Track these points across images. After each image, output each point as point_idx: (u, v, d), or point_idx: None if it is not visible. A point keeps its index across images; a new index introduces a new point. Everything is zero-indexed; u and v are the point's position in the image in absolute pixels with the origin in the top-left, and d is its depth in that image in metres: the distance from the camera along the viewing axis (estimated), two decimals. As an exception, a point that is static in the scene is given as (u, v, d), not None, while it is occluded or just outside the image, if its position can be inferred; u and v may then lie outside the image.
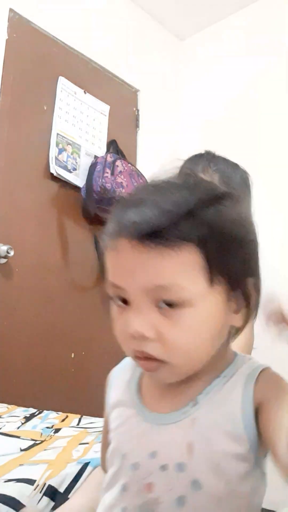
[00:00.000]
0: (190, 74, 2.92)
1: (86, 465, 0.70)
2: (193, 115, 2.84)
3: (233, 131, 2.57)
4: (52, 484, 0.64)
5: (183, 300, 0.54)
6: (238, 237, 0.56)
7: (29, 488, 0.62)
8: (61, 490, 0.65)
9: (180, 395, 0.60)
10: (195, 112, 2.84)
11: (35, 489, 0.62)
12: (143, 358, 0.57)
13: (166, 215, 0.52)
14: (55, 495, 0.63)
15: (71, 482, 0.66)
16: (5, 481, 0.62)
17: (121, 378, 0.72)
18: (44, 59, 2.14)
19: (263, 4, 2.61)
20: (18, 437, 0.89)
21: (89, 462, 0.71)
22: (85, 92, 2.29)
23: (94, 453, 0.78)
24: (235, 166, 1.51)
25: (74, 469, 0.69)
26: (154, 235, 0.52)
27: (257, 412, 0.57)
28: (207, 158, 1.50)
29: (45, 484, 0.63)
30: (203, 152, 1.55)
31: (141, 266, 0.54)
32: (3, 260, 1.85)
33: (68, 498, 0.65)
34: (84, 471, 0.69)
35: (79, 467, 0.69)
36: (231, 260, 0.55)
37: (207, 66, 2.83)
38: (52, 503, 0.63)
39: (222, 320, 0.58)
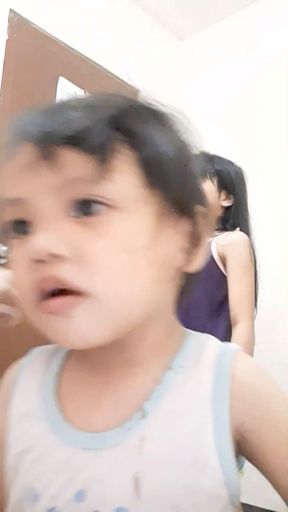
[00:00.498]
0: (190, 74, 2.92)
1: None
2: (193, 115, 2.84)
3: (233, 131, 2.57)
4: None
5: (107, 200, 0.39)
6: (178, 156, 0.45)
7: None
8: None
9: (119, 401, 0.44)
10: (195, 112, 2.83)
11: None
12: (52, 295, 0.39)
13: (92, 117, 0.41)
14: None
15: None
16: None
17: (30, 377, 0.52)
18: (44, 60, 2.13)
19: (263, 5, 2.61)
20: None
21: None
22: (85, 93, 2.28)
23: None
24: (230, 163, 1.55)
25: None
26: (74, 138, 0.39)
27: (237, 430, 0.42)
28: (204, 159, 1.52)
29: None
30: (198, 152, 1.57)
31: (48, 163, 0.39)
32: (3, 261, 1.85)
33: None
34: None
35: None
36: (172, 175, 0.43)
37: (207, 66, 2.83)
38: None
39: (165, 250, 0.43)
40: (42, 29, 2.14)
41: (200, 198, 0.48)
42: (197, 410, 0.42)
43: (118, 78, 2.51)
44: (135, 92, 2.55)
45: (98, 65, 2.41)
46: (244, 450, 0.43)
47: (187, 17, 2.80)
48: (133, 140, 0.42)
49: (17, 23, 2.04)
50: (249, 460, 0.44)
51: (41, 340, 1.64)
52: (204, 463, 0.40)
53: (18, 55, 2.02)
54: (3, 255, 1.82)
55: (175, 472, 0.40)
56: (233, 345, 0.48)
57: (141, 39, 2.73)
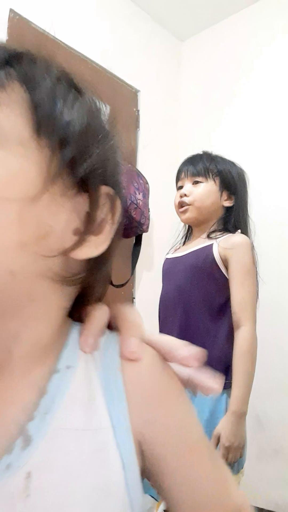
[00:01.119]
0: (190, 74, 2.92)
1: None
2: (193, 116, 2.84)
3: (234, 131, 2.57)
4: None
5: None
6: (83, 120, 0.40)
7: None
8: None
9: None
10: (195, 113, 2.84)
11: None
12: None
13: None
14: None
15: None
16: None
17: None
18: (44, 60, 2.13)
19: (264, 5, 2.61)
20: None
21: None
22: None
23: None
24: (232, 164, 1.56)
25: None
26: None
27: (139, 444, 0.35)
28: (207, 159, 1.52)
29: None
30: (201, 152, 1.58)
31: None
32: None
33: None
34: None
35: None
36: (68, 134, 0.37)
37: (207, 66, 2.83)
38: None
39: (48, 218, 0.35)
40: (42, 29, 2.14)
41: (111, 179, 0.41)
42: (94, 423, 0.34)
43: (118, 78, 2.51)
44: (135, 92, 2.57)
45: (98, 65, 2.41)
46: (149, 475, 0.35)
47: (187, 18, 2.80)
48: (28, 82, 0.38)
49: (17, 23, 2.04)
50: (158, 493, 0.36)
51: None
52: (108, 490, 0.32)
53: (18, 55, 2.02)
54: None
55: (74, 508, 0.31)
56: (115, 333, 0.41)
57: (141, 39, 2.73)
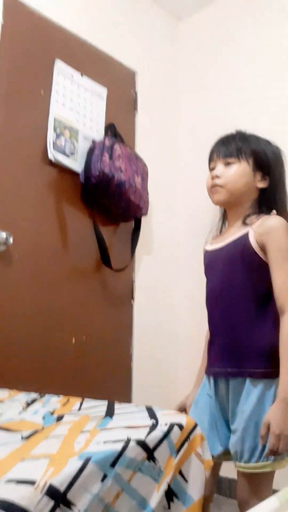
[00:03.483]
0: (188, 55, 2.88)
1: (87, 461, 0.70)
2: (192, 97, 2.82)
3: (232, 111, 2.55)
4: (53, 484, 0.63)
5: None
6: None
7: (30, 490, 0.61)
8: (62, 489, 0.64)
9: None
10: (194, 94, 2.81)
11: (35, 490, 0.61)
12: None
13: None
14: (55, 495, 0.63)
15: (71, 481, 0.66)
16: (6, 482, 0.62)
17: None
18: (40, 42, 2.11)
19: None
20: (20, 431, 0.89)
21: (91, 457, 0.71)
22: (82, 75, 2.26)
23: (96, 444, 0.78)
24: (267, 142, 1.52)
25: (75, 466, 0.68)
26: None
27: None
28: (240, 138, 1.49)
29: (46, 483, 0.63)
30: (234, 132, 1.54)
31: None
32: (3, 247, 1.84)
33: (67, 498, 0.64)
34: (84, 468, 0.68)
35: (80, 463, 0.69)
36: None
37: (206, 46, 2.79)
38: (52, 502, 0.62)
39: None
40: (38, 12, 2.11)
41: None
42: None
43: (115, 59, 2.48)
44: (132, 73, 2.55)
45: (94, 47, 2.38)
46: None
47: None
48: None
49: (12, 6, 2.00)
50: None
51: (38, 344, 1.60)
52: None
53: (13, 38, 1.99)
54: (2, 242, 1.82)
55: None
56: None
57: (138, 20, 2.69)
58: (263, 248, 1.37)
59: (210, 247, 1.55)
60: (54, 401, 1.22)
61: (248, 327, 1.36)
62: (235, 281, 1.40)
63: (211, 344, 1.49)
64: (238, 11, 2.65)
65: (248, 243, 1.38)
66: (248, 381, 1.33)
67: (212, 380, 1.44)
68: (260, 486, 1.32)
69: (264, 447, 1.26)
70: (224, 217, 1.63)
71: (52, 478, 0.64)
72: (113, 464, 0.73)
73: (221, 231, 1.62)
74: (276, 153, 1.52)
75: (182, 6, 2.83)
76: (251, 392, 1.32)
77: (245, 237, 1.39)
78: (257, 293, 1.38)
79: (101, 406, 1.11)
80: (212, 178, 1.49)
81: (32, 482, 0.62)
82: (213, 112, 2.66)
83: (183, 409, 1.54)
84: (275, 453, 1.23)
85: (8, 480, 0.63)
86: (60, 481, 0.64)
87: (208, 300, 1.53)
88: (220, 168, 1.48)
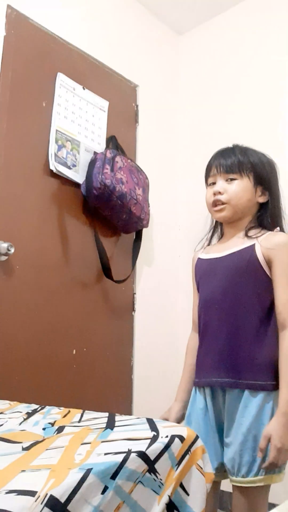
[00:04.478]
0: (189, 69, 2.91)
1: (88, 472, 0.69)
2: (192, 110, 2.84)
3: (231, 124, 2.56)
4: (54, 495, 0.63)
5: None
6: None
7: (30, 501, 0.61)
8: (62, 500, 0.64)
9: None
10: (194, 107, 2.83)
11: (36, 501, 0.61)
12: None
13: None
14: (55, 506, 0.62)
15: (71, 492, 0.65)
16: (6, 492, 0.62)
17: None
18: (42, 55, 2.13)
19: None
20: (20, 442, 0.89)
21: (92, 468, 0.71)
22: (84, 88, 2.28)
23: (97, 456, 0.78)
24: (263, 155, 1.51)
25: (75, 477, 0.68)
26: None
27: None
28: (239, 152, 1.48)
29: (46, 494, 0.62)
30: (231, 146, 1.53)
31: None
32: (4, 257, 1.85)
33: (67, 509, 0.63)
34: (85, 480, 0.68)
35: (81, 474, 0.68)
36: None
37: (206, 60, 2.82)
38: None
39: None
40: (40, 25, 2.14)
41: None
42: None
43: (116, 73, 2.51)
44: (134, 87, 2.58)
45: (96, 60, 2.40)
46: None
47: (185, 12, 2.79)
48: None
49: (15, 19, 2.03)
50: None
51: (41, 347, 1.61)
52: None
53: (16, 51, 2.02)
54: (3, 252, 1.82)
55: None
56: None
57: (139, 34, 2.72)
58: (268, 263, 1.36)
59: (207, 256, 1.53)
60: (54, 413, 1.21)
61: (249, 339, 1.35)
62: (239, 292, 1.39)
63: (205, 354, 1.45)
64: (238, 26, 2.68)
65: (255, 256, 1.37)
66: (246, 393, 1.32)
67: (208, 391, 1.41)
68: (256, 500, 1.30)
69: (262, 460, 1.25)
70: (216, 228, 1.62)
71: (52, 490, 0.63)
72: (114, 476, 0.73)
73: (210, 242, 1.62)
74: (272, 166, 1.52)
75: (183, 20, 2.87)
76: (249, 404, 1.31)
77: (251, 249, 1.39)
78: (261, 306, 1.37)
79: (102, 418, 1.11)
80: (214, 194, 1.46)
81: (32, 493, 0.62)
82: (212, 125, 2.68)
83: None
84: (274, 467, 1.22)
85: (9, 491, 0.63)
86: (60, 492, 0.64)
87: (203, 308, 1.50)
88: (221, 183, 1.46)
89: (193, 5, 2.73)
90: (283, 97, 2.41)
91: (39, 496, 0.61)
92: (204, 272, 1.52)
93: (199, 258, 1.57)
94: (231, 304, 1.40)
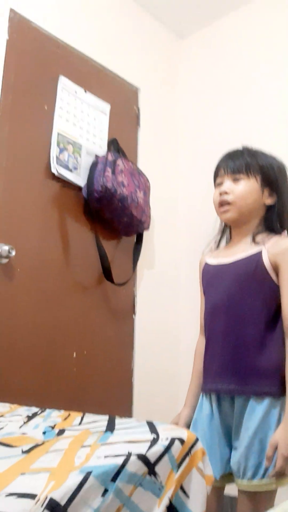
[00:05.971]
0: (190, 72, 2.92)
1: (88, 475, 0.69)
2: (193, 113, 2.84)
3: (232, 127, 2.57)
4: (54, 497, 0.62)
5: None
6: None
7: (30, 503, 0.60)
8: (62, 503, 0.63)
9: None
10: (195, 110, 2.84)
11: (36, 504, 0.61)
12: None
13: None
14: (56, 509, 0.62)
15: (71, 495, 0.65)
16: (6, 495, 0.62)
17: None
18: (45, 59, 2.14)
19: (263, 2, 2.60)
20: (20, 446, 0.89)
21: (92, 471, 0.70)
22: (85, 91, 2.29)
23: (97, 459, 0.77)
24: (273, 158, 1.51)
25: (75, 480, 0.67)
26: None
27: None
28: (248, 154, 1.48)
29: (46, 497, 0.62)
30: (241, 148, 1.53)
31: None
32: (5, 260, 1.85)
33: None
34: (85, 483, 0.68)
35: (81, 477, 0.68)
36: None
37: (207, 64, 2.83)
38: None
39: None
40: (43, 29, 2.15)
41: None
42: None
43: (118, 76, 2.51)
44: (135, 90, 2.59)
45: (98, 63, 2.41)
46: None
47: (187, 15, 2.80)
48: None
49: (18, 23, 2.04)
50: None
51: (43, 349, 1.60)
52: None
53: (18, 55, 2.03)
54: (4, 255, 1.82)
55: None
56: None
57: (141, 37, 2.73)
58: (275, 269, 1.36)
59: (214, 261, 1.53)
60: (55, 416, 1.21)
61: (255, 346, 1.34)
62: (245, 299, 1.38)
63: (211, 360, 1.45)
64: (239, 29, 2.69)
65: (262, 262, 1.37)
66: (252, 398, 1.32)
67: (214, 397, 1.41)
68: (262, 504, 1.29)
69: (268, 464, 1.26)
70: (224, 231, 1.62)
71: (52, 492, 0.63)
72: (114, 479, 0.73)
73: (218, 245, 1.62)
74: (282, 169, 1.51)
75: (184, 24, 2.88)
76: (255, 409, 1.31)
77: (259, 255, 1.38)
78: (267, 313, 1.36)
79: (102, 421, 1.11)
80: (220, 194, 1.47)
81: (32, 496, 0.62)
82: (213, 129, 2.68)
83: None
84: (282, 475, 1.22)
85: (9, 493, 0.63)
86: (60, 495, 0.64)
87: (209, 315, 1.50)
88: (228, 183, 1.46)
89: (195, 9, 2.74)
90: (285, 101, 2.41)
91: (39, 499, 0.61)
92: (211, 277, 1.52)
93: (206, 263, 1.56)
94: (237, 310, 1.39)
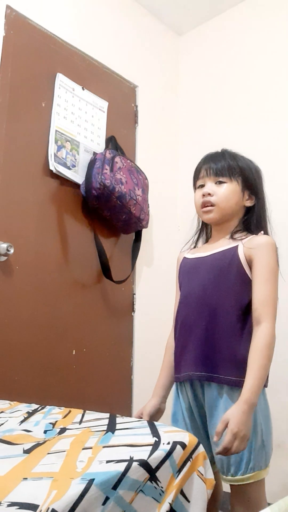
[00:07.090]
0: (188, 69, 2.90)
1: (90, 483, 0.69)
2: (191, 111, 2.83)
3: (232, 127, 2.56)
4: (55, 509, 0.62)
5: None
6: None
7: None
8: None
9: None
10: (194, 108, 2.82)
11: None
12: None
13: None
14: None
15: (73, 506, 0.65)
16: (8, 505, 0.62)
17: None
18: (42, 56, 2.12)
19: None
20: (21, 444, 0.89)
21: (94, 479, 0.70)
22: (83, 89, 2.28)
23: (99, 464, 0.77)
24: (250, 161, 1.55)
25: (77, 489, 0.67)
26: None
27: None
28: (229, 157, 1.51)
29: (48, 508, 0.62)
30: (219, 151, 1.55)
31: None
32: (3, 258, 1.85)
33: None
34: (87, 492, 0.68)
35: (83, 486, 0.68)
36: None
37: (206, 61, 2.81)
38: None
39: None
40: (39, 25, 2.13)
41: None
42: None
43: (116, 73, 2.50)
44: (133, 87, 2.57)
45: (96, 60, 2.39)
46: None
47: (185, 12, 2.78)
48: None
49: (14, 20, 2.02)
50: None
51: (41, 350, 1.60)
52: None
53: (15, 52, 2.01)
54: (3, 252, 1.82)
55: None
56: None
57: (139, 34, 2.71)
58: (249, 263, 1.39)
59: (192, 256, 1.56)
60: (55, 412, 1.21)
61: (227, 335, 1.37)
62: (218, 289, 1.41)
63: (182, 349, 1.47)
64: (238, 26, 2.68)
65: (237, 256, 1.40)
66: (225, 389, 1.34)
67: (188, 387, 1.43)
68: (253, 495, 1.32)
69: (249, 458, 1.28)
70: (202, 230, 1.65)
71: (54, 504, 0.63)
72: (115, 487, 0.73)
73: (196, 245, 1.64)
74: (259, 172, 1.55)
75: (182, 21, 2.86)
76: (229, 401, 1.32)
77: (234, 249, 1.42)
78: (239, 304, 1.39)
79: (103, 419, 1.11)
80: (203, 195, 1.50)
81: (34, 507, 0.62)
82: (212, 126, 2.67)
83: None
84: (227, 452, 1.21)
85: (11, 503, 0.63)
86: (62, 506, 0.63)
87: (182, 304, 1.53)
88: (210, 185, 1.49)
89: (193, 6, 2.72)
90: (285, 97, 2.40)
91: (41, 510, 0.61)
92: (188, 270, 1.56)
93: (184, 258, 1.60)
94: (210, 300, 1.42)
